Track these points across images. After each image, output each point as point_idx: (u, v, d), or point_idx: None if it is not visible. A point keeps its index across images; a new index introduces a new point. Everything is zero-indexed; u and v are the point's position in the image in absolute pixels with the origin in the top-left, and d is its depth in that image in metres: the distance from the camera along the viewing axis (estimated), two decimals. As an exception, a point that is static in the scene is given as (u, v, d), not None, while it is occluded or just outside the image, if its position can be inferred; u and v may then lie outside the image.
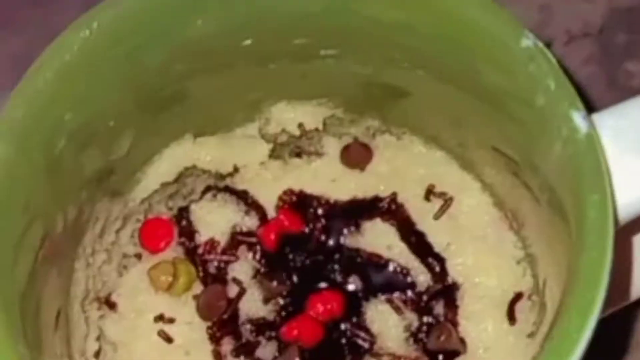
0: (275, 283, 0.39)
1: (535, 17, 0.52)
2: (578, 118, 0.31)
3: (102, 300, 0.39)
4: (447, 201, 0.40)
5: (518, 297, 0.38)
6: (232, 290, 0.40)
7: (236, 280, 0.40)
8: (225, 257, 0.40)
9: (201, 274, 0.40)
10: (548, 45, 0.52)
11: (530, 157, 0.34)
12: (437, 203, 0.40)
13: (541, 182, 0.33)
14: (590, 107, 0.51)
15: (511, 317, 0.38)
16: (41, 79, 0.34)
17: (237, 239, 0.40)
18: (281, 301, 0.39)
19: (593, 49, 0.52)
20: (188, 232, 0.40)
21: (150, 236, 0.40)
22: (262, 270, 0.40)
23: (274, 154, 0.41)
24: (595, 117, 0.32)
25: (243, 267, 0.40)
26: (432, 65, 0.36)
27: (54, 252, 0.35)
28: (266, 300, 0.39)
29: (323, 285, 0.39)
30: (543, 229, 0.35)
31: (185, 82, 0.37)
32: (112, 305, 0.39)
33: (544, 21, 0.52)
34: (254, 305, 0.39)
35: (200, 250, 0.40)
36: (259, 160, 0.41)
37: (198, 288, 0.40)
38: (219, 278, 0.40)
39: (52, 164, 0.34)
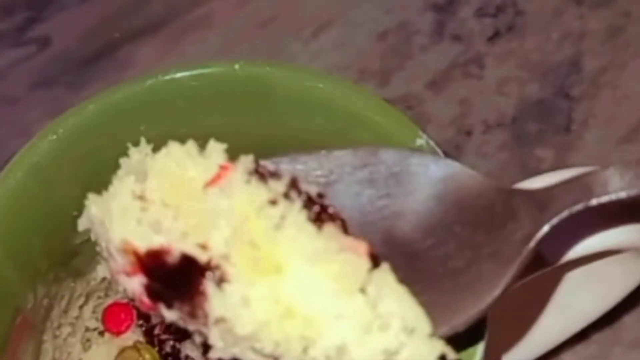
0: None
1: (456, 109, 0.55)
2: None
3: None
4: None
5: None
6: (187, 370, 0.41)
7: (189, 359, 0.41)
8: (179, 336, 0.41)
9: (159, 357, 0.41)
10: (468, 133, 0.55)
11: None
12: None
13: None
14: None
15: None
16: (13, 177, 0.37)
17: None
18: None
19: (507, 137, 0.54)
20: (145, 314, 0.41)
21: (113, 320, 0.42)
22: None
23: None
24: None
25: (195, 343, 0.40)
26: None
27: (26, 325, 0.38)
28: None
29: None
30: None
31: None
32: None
33: (463, 113, 0.55)
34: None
35: (156, 331, 0.41)
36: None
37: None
38: (175, 358, 0.41)
39: (24, 252, 0.38)
